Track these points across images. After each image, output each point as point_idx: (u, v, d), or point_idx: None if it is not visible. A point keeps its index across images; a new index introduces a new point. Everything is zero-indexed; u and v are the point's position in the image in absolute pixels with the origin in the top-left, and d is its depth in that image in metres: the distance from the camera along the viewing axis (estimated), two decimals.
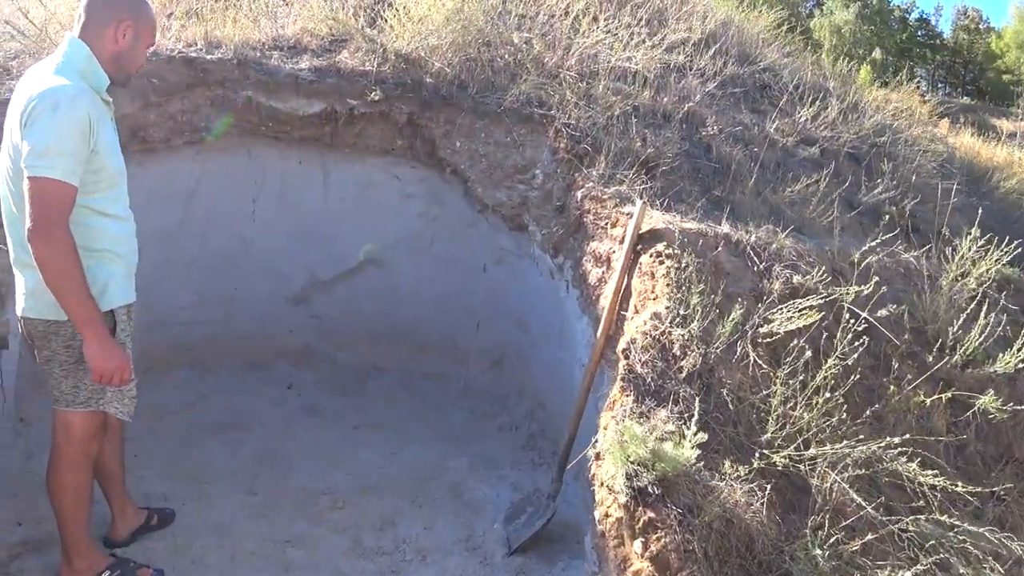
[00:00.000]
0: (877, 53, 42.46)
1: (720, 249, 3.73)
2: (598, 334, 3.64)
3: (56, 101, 2.45)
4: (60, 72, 2.57)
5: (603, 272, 3.90)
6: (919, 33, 54.62)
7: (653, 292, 3.49)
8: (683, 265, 3.46)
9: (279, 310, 5.39)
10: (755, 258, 3.80)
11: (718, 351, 3.23)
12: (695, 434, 2.69)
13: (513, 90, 4.84)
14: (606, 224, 4.02)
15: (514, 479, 4.41)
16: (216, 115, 4.69)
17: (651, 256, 3.58)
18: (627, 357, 3.21)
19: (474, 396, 5.35)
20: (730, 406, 3.12)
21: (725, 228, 3.93)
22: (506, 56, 5.21)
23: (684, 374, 3.14)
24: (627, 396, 3.07)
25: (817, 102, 6.18)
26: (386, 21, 5.17)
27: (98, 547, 3.31)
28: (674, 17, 6.65)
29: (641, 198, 3.99)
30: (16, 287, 2.74)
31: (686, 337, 3.21)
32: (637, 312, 3.51)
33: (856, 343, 3.10)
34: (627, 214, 3.90)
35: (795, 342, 3.26)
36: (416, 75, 4.89)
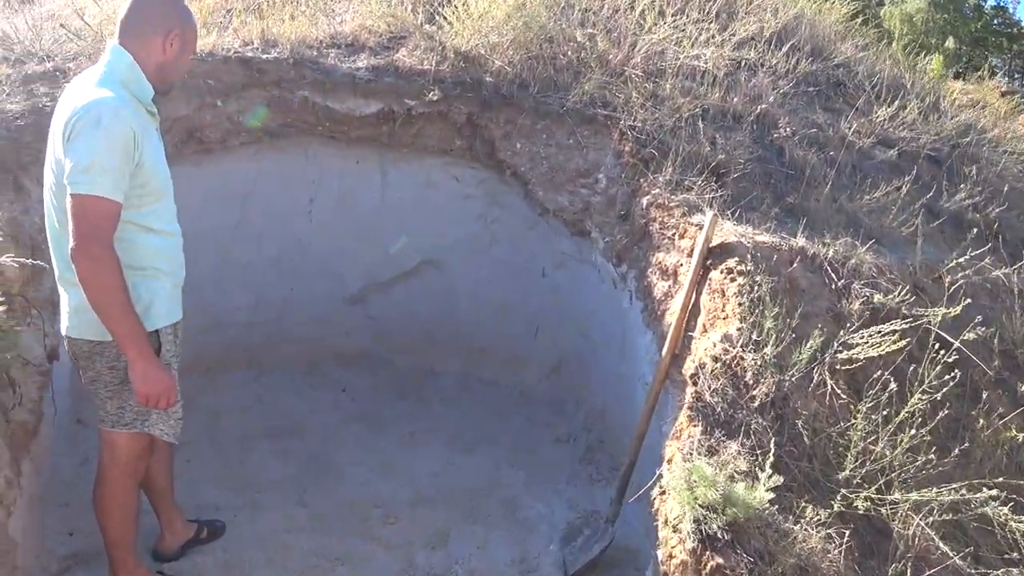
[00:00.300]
0: (950, 42, 40.79)
1: (796, 265, 3.50)
2: (663, 352, 3.46)
3: (99, 115, 2.35)
4: (103, 83, 2.47)
5: (669, 286, 3.71)
6: (995, 21, 52.40)
7: (723, 311, 3.29)
8: (756, 283, 3.25)
9: (335, 311, 5.31)
10: (832, 275, 3.57)
11: (793, 379, 3.03)
12: (770, 477, 2.50)
13: (576, 90, 4.66)
14: (673, 234, 3.83)
15: (570, 495, 4.26)
16: (273, 115, 4.61)
17: (722, 272, 3.37)
18: (695, 383, 3.02)
19: (532, 403, 5.20)
20: (805, 439, 2.92)
21: (801, 241, 3.69)
22: (569, 53, 5.02)
23: (757, 403, 2.94)
24: (695, 427, 2.88)
25: (896, 100, 5.86)
26: (445, 18, 5.02)
27: (146, 561, 3.26)
28: (744, 11, 6.37)
29: (711, 208, 3.79)
30: (60, 305, 2.66)
31: (759, 363, 3.01)
32: (705, 331, 3.32)
33: (946, 376, 2.86)
34: (696, 225, 3.70)
35: (878, 372, 3.05)
36: (476, 74, 4.73)
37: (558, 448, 4.77)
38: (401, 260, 5.23)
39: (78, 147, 2.33)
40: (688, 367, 3.17)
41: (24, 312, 3.05)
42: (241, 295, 5.07)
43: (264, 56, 4.52)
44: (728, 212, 3.93)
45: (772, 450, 2.73)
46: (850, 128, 5.47)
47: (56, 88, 3.96)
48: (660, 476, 2.86)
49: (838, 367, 3.16)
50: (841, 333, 3.27)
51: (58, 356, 3.17)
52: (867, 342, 3.13)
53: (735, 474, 2.63)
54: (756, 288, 3.24)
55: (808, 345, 3.01)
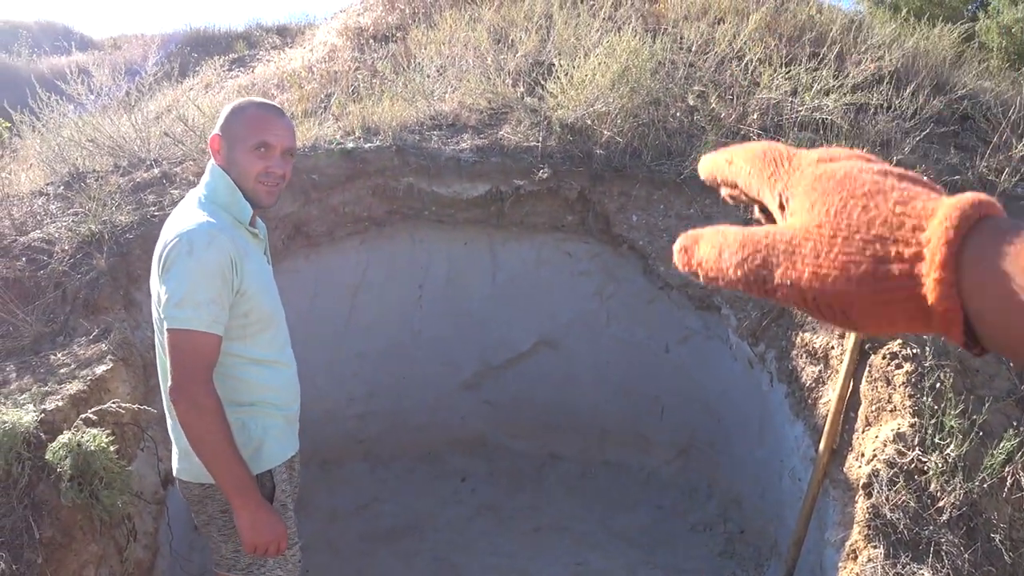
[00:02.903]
0: None
1: None
2: (820, 449, 3.11)
3: (192, 243, 2.17)
4: (203, 206, 2.30)
5: (820, 371, 3.36)
6: None
7: (890, 402, 2.93)
8: (927, 368, 2.89)
9: (450, 398, 5.11)
10: None
11: (983, 486, 2.65)
12: None
13: (692, 155, 4.39)
14: None
15: None
16: (378, 203, 4.50)
17: (884, 358, 3.02)
18: (870, 494, 2.67)
19: (660, 488, 4.86)
20: (1005, 556, 2.53)
21: None
22: (679, 116, 4.77)
23: (945, 517, 2.57)
24: (874, 547, 2.53)
25: None
26: (545, 88, 4.83)
27: None
28: (857, 50, 6.00)
29: None
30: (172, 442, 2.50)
31: (942, 467, 2.65)
32: (869, 425, 2.97)
33: None
34: None
35: None
36: (585, 146, 4.53)
37: (694, 540, 4.41)
38: (516, 342, 5.02)
39: (171, 279, 2.17)
40: (857, 472, 2.82)
41: (137, 439, 2.94)
42: (355, 385, 4.95)
43: (366, 146, 4.42)
44: None
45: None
46: (988, 168, 5.03)
47: (163, 196, 3.93)
48: None
49: None
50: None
51: (173, 480, 3.03)
52: None
53: None
54: (928, 373, 2.87)
55: (1001, 445, 2.63)
